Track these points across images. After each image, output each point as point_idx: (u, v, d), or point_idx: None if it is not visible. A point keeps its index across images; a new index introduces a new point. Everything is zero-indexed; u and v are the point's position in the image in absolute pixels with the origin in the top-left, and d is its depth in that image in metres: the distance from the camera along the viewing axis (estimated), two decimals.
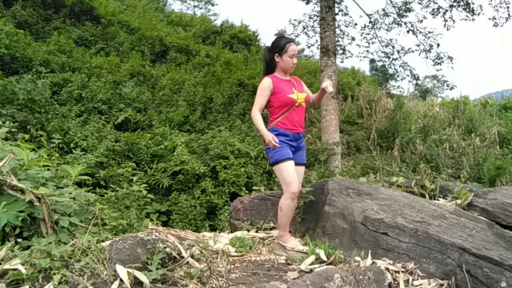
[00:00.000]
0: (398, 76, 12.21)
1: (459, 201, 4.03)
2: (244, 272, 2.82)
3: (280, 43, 3.23)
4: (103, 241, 2.61)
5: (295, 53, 3.23)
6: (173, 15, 19.39)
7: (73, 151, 5.96)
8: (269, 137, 3.05)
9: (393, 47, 11.56)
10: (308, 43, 14.63)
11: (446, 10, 10.41)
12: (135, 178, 4.81)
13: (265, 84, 3.18)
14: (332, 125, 8.32)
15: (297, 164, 3.23)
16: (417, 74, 11.79)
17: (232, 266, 2.90)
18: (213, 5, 33.59)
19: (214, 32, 17.28)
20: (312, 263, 2.89)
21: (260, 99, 3.18)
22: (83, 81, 9.25)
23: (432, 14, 10.64)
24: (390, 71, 12.66)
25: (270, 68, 3.33)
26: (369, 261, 2.80)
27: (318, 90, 3.42)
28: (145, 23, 14.43)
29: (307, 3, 11.46)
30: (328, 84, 3.25)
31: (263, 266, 2.97)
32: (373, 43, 11.73)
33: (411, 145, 9.80)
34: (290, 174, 3.10)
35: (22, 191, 2.50)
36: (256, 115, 3.13)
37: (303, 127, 3.31)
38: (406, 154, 9.50)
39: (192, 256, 2.72)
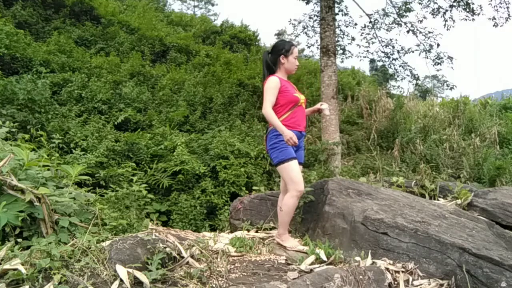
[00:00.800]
0: (398, 76, 12.24)
1: (459, 201, 4.03)
2: (244, 272, 2.82)
3: (286, 46, 3.34)
4: (103, 241, 2.61)
5: (298, 55, 3.39)
6: (173, 15, 19.39)
7: (73, 151, 5.96)
8: (290, 134, 3.07)
9: (393, 47, 11.59)
10: (308, 43, 14.66)
11: (446, 10, 10.42)
12: (135, 178, 4.80)
13: (274, 83, 3.23)
14: (332, 125, 8.33)
15: None
16: (417, 74, 11.84)
17: (232, 266, 2.90)
18: (213, 5, 33.59)
19: (214, 32, 17.29)
20: (312, 263, 2.89)
21: (270, 97, 3.21)
22: (83, 81, 9.25)
23: (432, 14, 10.65)
24: (390, 71, 12.69)
25: (271, 70, 3.38)
26: (369, 261, 2.80)
27: (313, 106, 3.62)
28: (145, 23, 14.42)
29: (307, 3, 11.47)
30: (326, 107, 3.52)
31: (263, 266, 2.97)
32: (373, 43, 11.77)
33: (411, 145, 9.80)
34: (296, 173, 3.14)
35: (22, 191, 2.50)
36: (270, 112, 3.15)
37: (304, 126, 3.37)
38: (406, 154, 9.50)
39: (192, 256, 2.72)
